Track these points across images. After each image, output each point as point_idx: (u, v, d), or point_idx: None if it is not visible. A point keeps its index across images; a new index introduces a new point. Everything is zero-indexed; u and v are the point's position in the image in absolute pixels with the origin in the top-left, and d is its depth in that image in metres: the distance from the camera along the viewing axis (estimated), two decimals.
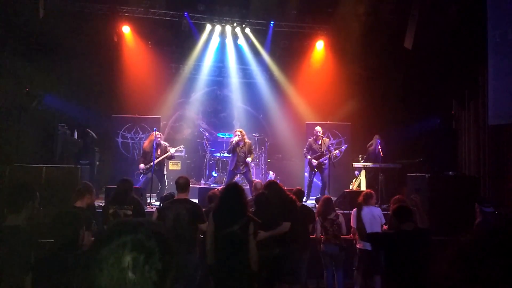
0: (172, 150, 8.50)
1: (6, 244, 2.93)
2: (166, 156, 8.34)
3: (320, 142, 8.80)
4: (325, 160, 8.70)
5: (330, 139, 10.57)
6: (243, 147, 8.27)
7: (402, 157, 9.96)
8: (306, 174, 9.58)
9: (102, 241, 1.04)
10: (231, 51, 12.09)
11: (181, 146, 9.13)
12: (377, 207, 6.45)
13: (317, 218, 5.86)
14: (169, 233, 1.14)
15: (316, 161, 8.63)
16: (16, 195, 3.21)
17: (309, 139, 9.08)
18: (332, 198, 6.69)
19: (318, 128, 8.93)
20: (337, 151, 8.91)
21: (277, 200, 4.70)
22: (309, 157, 8.81)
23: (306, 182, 9.28)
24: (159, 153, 8.09)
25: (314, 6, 11.26)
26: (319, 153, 8.72)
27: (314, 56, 12.08)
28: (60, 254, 2.71)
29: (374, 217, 5.74)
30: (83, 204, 4.51)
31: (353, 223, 5.85)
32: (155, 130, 8.24)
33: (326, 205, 5.99)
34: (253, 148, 8.74)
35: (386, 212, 6.15)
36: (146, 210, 6.59)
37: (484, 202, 5.40)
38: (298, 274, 5.21)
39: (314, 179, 9.12)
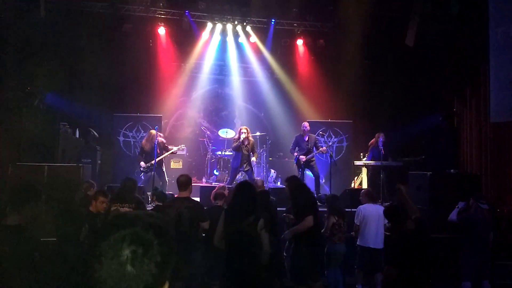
0: (174, 148, 8.55)
1: (8, 244, 2.92)
2: (168, 154, 8.41)
3: (307, 139, 8.71)
4: (312, 157, 8.66)
5: (331, 137, 10.56)
6: (248, 145, 8.28)
7: (403, 155, 9.96)
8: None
9: (100, 235, 1.05)
10: (232, 49, 12.07)
11: (182, 145, 9.14)
12: (380, 205, 6.45)
13: (331, 216, 5.75)
14: (167, 225, 1.15)
15: (304, 157, 8.56)
16: (19, 194, 3.20)
17: (296, 136, 8.98)
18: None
19: (306, 124, 8.85)
20: (323, 148, 8.66)
21: (298, 194, 4.81)
22: (295, 154, 8.75)
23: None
24: (158, 151, 8.11)
25: (315, 4, 11.25)
26: (305, 150, 8.65)
27: (315, 54, 12.06)
28: None
29: (379, 215, 5.74)
30: (94, 209, 4.52)
31: (357, 220, 5.83)
32: (156, 129, 8.25)
33: (335, 202, 5.94)
34: (255, 149, 8.76)
35: None
36: (148, 209, 6.61)
37: (480, 199, 5.48)
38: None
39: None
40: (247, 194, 3.88)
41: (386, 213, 4.13)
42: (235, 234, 3.66)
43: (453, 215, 5.52)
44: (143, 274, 1.01)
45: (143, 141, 8.52)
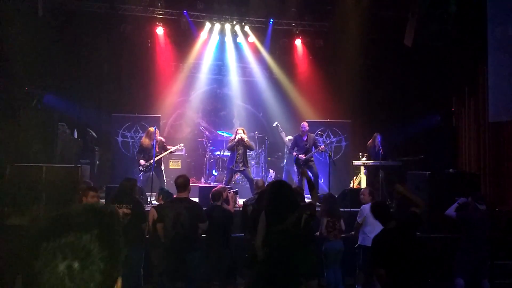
0: (172, 148, 8.54)
1: (8, 244, 2.90)
2: (167, 154, 8.39)
3: (305, 138, 8.70)
4: (310, 157, 8.65)
5: (330, 137, 10.56)
6: (243, 145, 8.33)
7: (402, 155, 9.96)
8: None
9: (31, 246, 0.95)
10: (231, 49, 12.06)
11: (181, 144, 9.10)
12: None
13: (323, 217, 5.80)
14: (111, 217, 1.03)
15: (304, 156, 8.55)
16: (21, 196, 3.17)
17: (295, 135, 8.98)
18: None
19: (305, 124, 8.83)
20: (322, 146, 8.70)
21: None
22: (294, 153, 8.75)
23: (296, 180, 9.15)
24: (157, 150, 8.09)
25: (313, 4, 11.25)
26: (304, 150, 8.66)
27: (314, 54, 12.05)
28: None
29: None
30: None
31: (359, 219, 5.81)
32: (155, 129, 8.23)
33: (330, 203, 5.97)
34: (252, 143, 8.79)
35: None
36: (146, 209, 6.59)
37: (479, 200, 5.49)
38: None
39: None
40: (286, 193, 3.78)
41: (374, 210, 4.12)
42: (279, 235, 3.59)
43: (451, 210, 5.53)
44: (86, 284, 0.92)
45: (143, 138, 8.51)
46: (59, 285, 0.91)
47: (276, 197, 3.76)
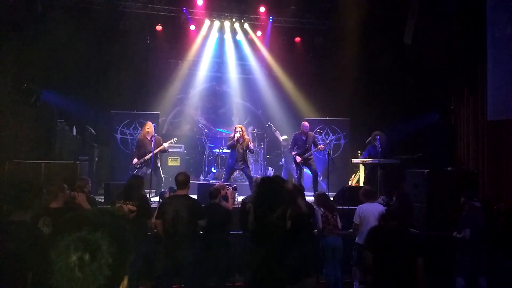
0: (165, 144, 8.48)
1: (13, 239, 2.89)
2: (159, 150, 8.31)
3: (305, 137, 8.71)
4: (310, 155, 8.67)
5: (329, 135, 10.57)
6: (242, 143, 8.32)
7: (401, 153, 9.97)
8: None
9: (50, 241, 1.05)
10: (230, 46, 12.06)
11: (174, 139, 8.98)
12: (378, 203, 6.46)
13: (316, 208, 5.81)
14: (121, 220, 1.13)
15: (300, 158, 8.57)
16: (24, 192, 3.17)
17: (294, 134, 8.99)
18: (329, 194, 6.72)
19: (306, 124, 8.82)
20: (321, 145, 8.72)
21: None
22: (293, 153, 8.77)
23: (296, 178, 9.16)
24: (153, 146, 8.07)
25: (313, 2, 11.25)
26: (304, 149, 8.67)
27: (313, 52, 12.05)
28: None
29: (378, 213, 5.76)
30: (60, 204, 4.04)
31: (356, 220, 5.83)
32: (154, 126, 8.21)
33: (326, 198, 6.01)
34: (251, 143, 8.77)
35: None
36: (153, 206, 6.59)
37: (474, 197, 5.49)
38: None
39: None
40: (275, 188, 3.92)
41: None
42: (266, 227, 3.70)
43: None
44: (94, 278, 1.00)
45: (141, 134, 8.49)
46: (70, 275, 1.00)
47: (264, 192, 3.91)
